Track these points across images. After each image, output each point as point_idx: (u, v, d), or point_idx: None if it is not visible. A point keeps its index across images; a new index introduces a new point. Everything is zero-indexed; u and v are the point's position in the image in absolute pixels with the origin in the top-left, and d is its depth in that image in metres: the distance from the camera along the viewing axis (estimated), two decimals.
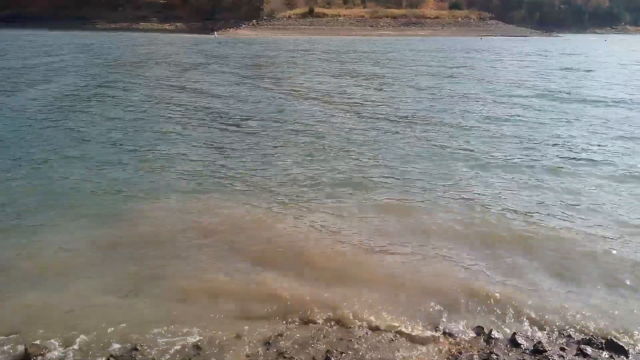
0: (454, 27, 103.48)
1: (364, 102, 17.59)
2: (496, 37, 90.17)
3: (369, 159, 10.37)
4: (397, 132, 12.87)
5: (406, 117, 14.91)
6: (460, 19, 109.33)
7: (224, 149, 11.01)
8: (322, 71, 28.33)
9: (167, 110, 15.51)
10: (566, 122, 14.56)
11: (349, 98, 18.52)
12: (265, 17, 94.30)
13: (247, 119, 14.26)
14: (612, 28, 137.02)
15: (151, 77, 24.01)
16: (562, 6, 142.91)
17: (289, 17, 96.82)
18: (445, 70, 29.46)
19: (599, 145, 11.69)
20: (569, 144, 11.83)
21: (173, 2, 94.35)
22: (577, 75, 27.87)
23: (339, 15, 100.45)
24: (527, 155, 10.74)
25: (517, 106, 17.03)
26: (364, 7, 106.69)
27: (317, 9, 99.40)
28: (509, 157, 10.57)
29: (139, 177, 9.08)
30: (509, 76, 26.76)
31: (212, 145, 11.37)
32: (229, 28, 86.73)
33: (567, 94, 20.21)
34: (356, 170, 9.52)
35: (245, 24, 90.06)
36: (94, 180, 8.81)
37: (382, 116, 14.97)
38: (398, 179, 9.08)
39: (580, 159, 10.48)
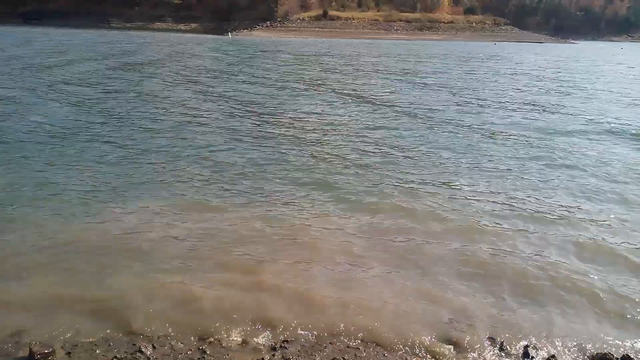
0: (468, 32, 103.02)
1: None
2: (510, 43, 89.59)
3: None
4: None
5: None
6: (474, 24, 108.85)
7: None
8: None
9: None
10: None
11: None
12: (279, 19, 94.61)
13: None
14: (629, 36, 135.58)
15: (170, 78, 24.10)
16: (578, 13, 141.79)
17: (303, 19, 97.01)
18: None
19: None
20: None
21: (190, 2, 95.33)
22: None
23: (353, 19, 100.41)
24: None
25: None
26: (378, 11, 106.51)
27: (331, 12, 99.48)
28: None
29: (118, 176, 8.81)
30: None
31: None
32: (244, 29, 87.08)
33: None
34: None
35: (259, 26, 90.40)
36: (71, 177, 8.68)
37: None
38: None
39: None
